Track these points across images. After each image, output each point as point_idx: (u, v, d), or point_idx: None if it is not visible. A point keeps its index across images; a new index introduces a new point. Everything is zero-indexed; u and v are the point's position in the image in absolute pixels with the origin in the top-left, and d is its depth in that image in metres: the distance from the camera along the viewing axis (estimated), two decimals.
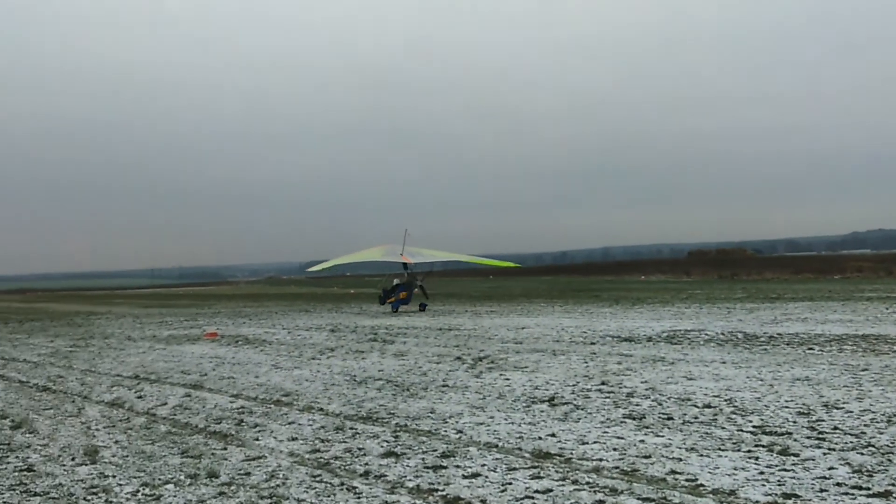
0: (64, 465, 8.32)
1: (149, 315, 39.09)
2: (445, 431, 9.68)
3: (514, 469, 7.95)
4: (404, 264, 31.71)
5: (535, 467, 7.99)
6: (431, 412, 10.88)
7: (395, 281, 32.54)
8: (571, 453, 8.50)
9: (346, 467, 8.14)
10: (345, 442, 9.24)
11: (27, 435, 9.95)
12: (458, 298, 45.36)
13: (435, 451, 8.73)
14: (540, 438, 9.20)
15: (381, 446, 8.99)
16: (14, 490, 7.38)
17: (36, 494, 7.24)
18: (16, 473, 7.99)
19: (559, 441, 9.05)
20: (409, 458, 8.43)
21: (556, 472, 7.80)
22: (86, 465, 8.35)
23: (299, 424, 10.28)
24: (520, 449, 8.75)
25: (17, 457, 8.74)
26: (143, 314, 40.41)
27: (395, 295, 30.56)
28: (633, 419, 10.10)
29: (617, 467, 7.91)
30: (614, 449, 8.63)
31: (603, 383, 12.89)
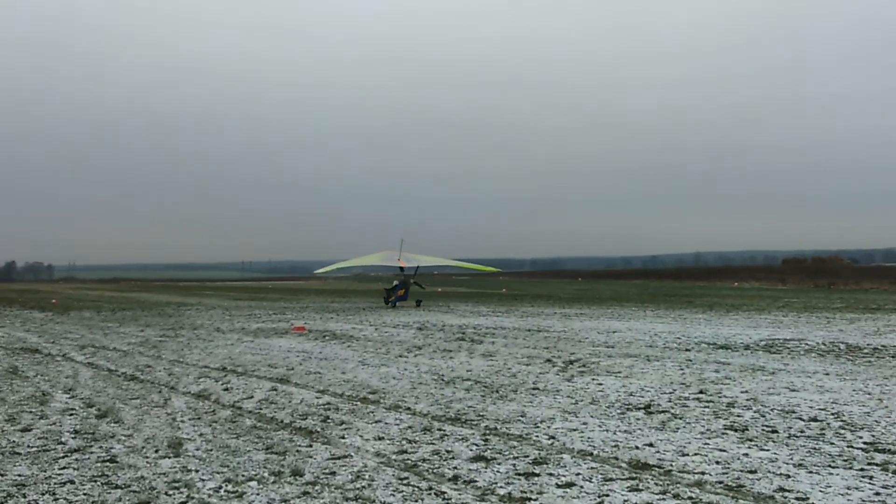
0: (147, 458, 8.11)
1: (238, 307, 39.86)
2: (537, 437, 9.05)
3: (611, 479, 7.28)
4: (400, 268, 34.67)
5: (632, 478, 7.31)
6: (522, 416, 10.26)
7: (395, 282, 35.29)
8: (671, 465, 7.78)
9: (434, 470, 7.63)
10: (433, 444, 8.73)
11: (112, 425, 9.86)
12: (547, 300, 44.43)
13: (526, 456, 8.12)
14: (637, 448, 8.49)
15: (471, 449, 8.43)
16: (96, 482, 7.17)
17: (117, 487, 7.00)
18: (98, 464, 7.81)
19: (657, 451, 8.32)
20: (499, 464, 7.85)
21: (656, 484, 7.11)
22: (169, 457, 8.12)
23: (386, 423, 9.84)
24: (616, 458, 8.05)
25: (100, 447, 8.60)
26: (232, 306, 41.24)
27: (394, 293, 34.22)
28: (735, 431, 9.30)
29: (721, 482, 7.18)
30: (717, 462, 7.88)
31: (701, 392, 11.98)
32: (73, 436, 9.15)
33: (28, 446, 8.58)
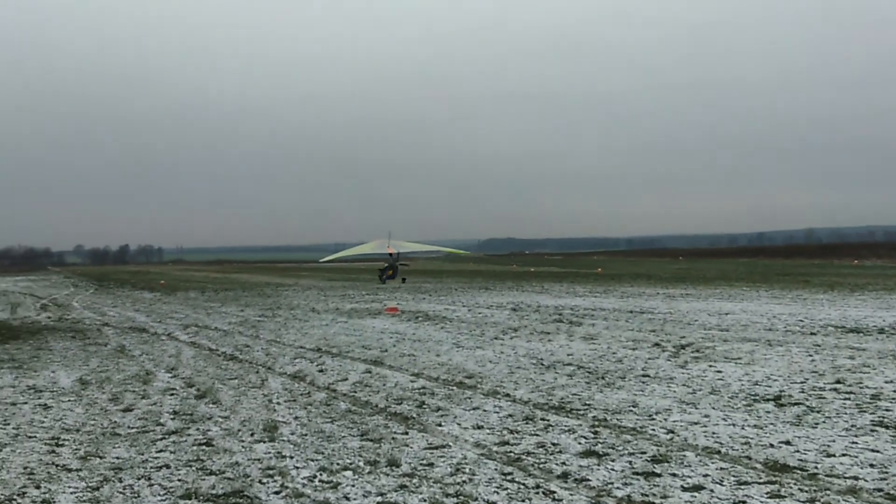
0: (242, 441, 7.93)
1: (332, 288, 40.35)
2: (653, 430, 8.35)
3: (746, 483, 6.51)
4: (389, 254, 42.83)
5: (771, 482, 6.51)
6: (633, 405, 9.56)
7: (385, 265, 42.77)
8: (816, 467, 6.91)
9: (541, 465, 7.08)
10: (536, 434, 8.18)
11: (210, 406, 9.79)
12: (647, 280, 42.95)
13: (643, 453, 7.45)
14: (772, 446, 7.65)
15: (579, 443, 7.83)
16: (191, 466, 7.01)
17: (212, 473, 6.81)
18: (194, 447, 7.67)
19: (797, 450, 7.45)
20: (613, 460, 7.22)
21: (801, 490, 6.30)
22: (264, 441, 7.91)
23: (484, 411, 9.36)
24: (748, 458, 7.26)
25: (197, 429, 8.49)
26: (327, 287, 41.80)
27: (385, 273, 41.22)
28: (886, 428, 8.26)
29: (880, 489, 6.29)
30: (871, 465, 6.95)
31: (838, 381, 10.90)
32: (171, 417, 9.11)
33: (128, 427, 8.56)
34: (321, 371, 12.51)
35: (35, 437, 8.10)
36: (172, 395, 10.55)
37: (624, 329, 17.89)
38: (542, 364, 12.85)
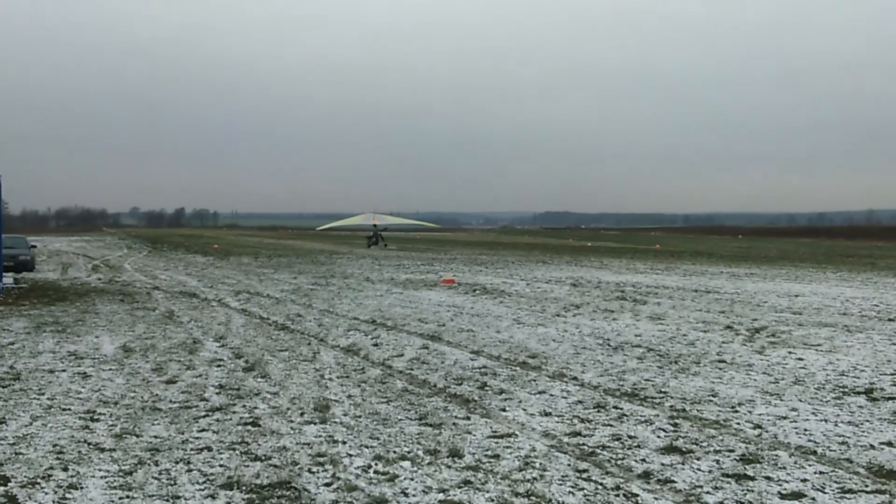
0: (291, 422, 7.30)
1: (387, 257, 39.87)
2: (738, 424, 7.47)
3: (851, 491, 5.66)
4: (374, 225, 54.83)
5: (880, 492, 5.64)
6: (713, 395, 8.67)
7: (370, 234, 54.46)
8: None
9: (619, 462, 6.28)
10: (610, 424, 7.38)
11: (259, 380, 9.21)
12: (708, 258, 41.41)
13: (731, 451, 6.59)
14: (873, 447, 6.73)
15: (658, 436, 7.01)
16: (234, 450, 6.39)
17: (257, 459, 6.17)
18: (239, 427, 7.06)
19: None
20: (698, 459, 6.38)
21: None
22: (315, 423, 7.27)
23: (551, 395, 8.58)
24: (849, 460, 6.36)
25: (244, 406, 7.89)
26: (381, 256, 41.36)
27: (370, 241, 52.61)
28: None
29: None
30: None
31: None
32: (217, 391, 8.55)
33: (170, 401, 8.02)
34: (376, 345, 11.87)
35: (70, 409, 7.60)
36: (219, 366, 10.01)
37: (691, 309, 16.85)
38: (609, 345, 11.99)
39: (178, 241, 62.38)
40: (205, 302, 17.70)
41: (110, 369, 9.65)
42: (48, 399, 8.04)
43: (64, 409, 7.60)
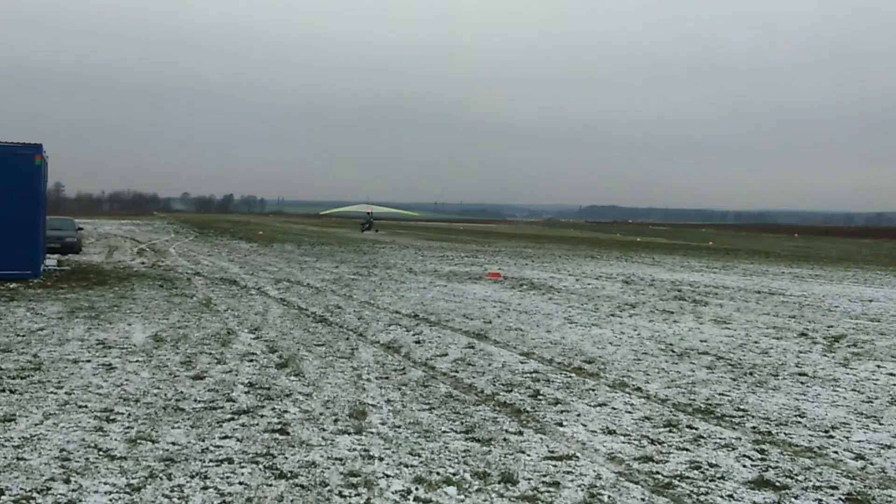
0: (324, 430, 6.53)
1: (430, 248, 39.13)
2: (836, 453, 6.47)
3: None
4: (367, 213, 63.26)
5: None
6: (800, 415, 7.67)
7: (364, 221, 62.37)
8: None
9: (702, 498, 5.36)
10: (685, 448, 6.44)
11: (291, 378, 8.48)
12: (765, 257, 39.73)
13: (834, 488, 5.63)
14: None
15: (744, 466, 6.06)
16: (257, 463, 5.63)
17: (281, 476, 5.41)
18: (266, 435, 6.31)
19: None
20: (795, 496, 5.43)
21: None
22: (349, 433, 6.49)
23: (613, 409, 7.67)
24: None
25: (273, 409, 7.15)
26: (424, 246, 40.63)
27: (364, 227, 60.30)
28: None
29: None
30: None
31: None
32: (246, 390, 7.84)
33: (195, 400, 7.33)
34: (418, 342, 11.08)
35: (86, 406, 6.95)
36: (252, 361, 9.32)
37: (758, 312, 15.69)
38: (673, 351, 10.99)
39: (225, 227, 62.62)
40: (244, 290, 17.14)
41: (137, 361, 9.02)
42: (66, 393, 7.41)
43: (80, 407, 6.96)
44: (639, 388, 8.56)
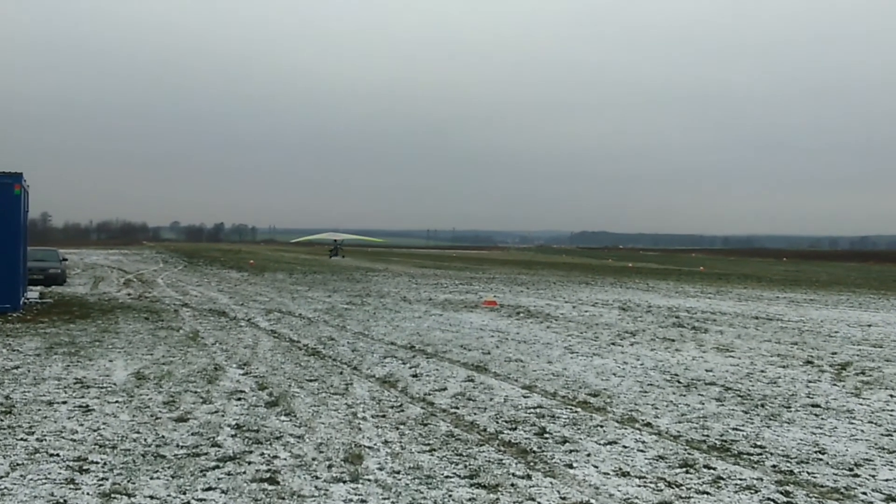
0: (317, 479, 6.04)
1: (424, 275, 38.68)
2: (864, 494, 6.03)
3: None
4: (334, 241, 67.72)
5: None
6: (819, 451, 7.24)
7: (332, 247, 67.18)
8: None
9: None
10: (706, 492, 5.99)
11: (282, 418, 7.99)
12: (758, 281, 39.47)
13: None
14: None
15: None
16: None
17: None
18: (254, 485, 5.82)
19: None
20: None
21: None
22: (344, 481, 6.00)
23: (625, 447, 7.22)
24: None
25: (262, 454, 6.66)
26: (418, 274, 40.19)
27: (332, 252, 64.42)
28: None
29: None
30: None
31: None
32: (232, 433, 7.35)
33: (177, 445, 6.83)
34: (415, 376, 10.61)
35: (58, 455, 6.44)
36: (240, 399, 8.83)
37: (759, 339, 15.31)
38: (679, 382, 10.56)
39: (215, 256, 61.99)
40: (233, 321, 16.64)
41: (117, 402, 8.51)
42: (37, 440, 6.90)
43: (52, 455, 6.45)
44: (649, 424, 8.12)
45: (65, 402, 8.37)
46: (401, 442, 7.21)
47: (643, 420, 8.28)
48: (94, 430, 7.26)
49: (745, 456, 7.03)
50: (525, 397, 9.35)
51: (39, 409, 8.03)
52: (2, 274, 16.30)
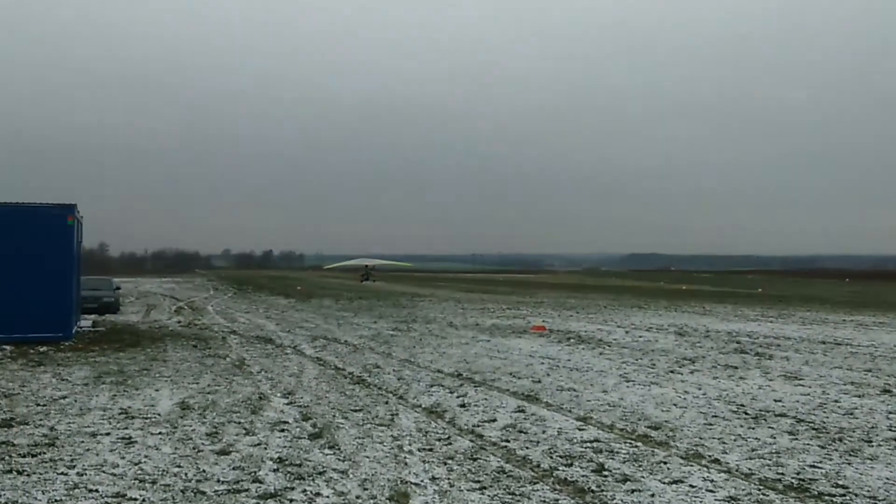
0: None
1: (470, 300, 38.26)
2: None
3: None
4: (365, 266, 72.89)
5: None
6: None
7: (363, 273, 71.23)
8: None
9: None
10: None
11: (326, 451, 7.66)
12: (822, 304, 38.01)
13: None
14: None
15: None
16: None
17: None
18: None
19: None
20: None
21: None
22: None
23: (692, 486, 6.68)
24: None
25: (304, 490, 6.33)
26: (464, 299, 39.78)
27: (363, 277, 68.38)
28: None
29: None
30: None
31: None
32: (274, 467, 7.05)
33: (218, 481, 6.55)
34: (463, 406, 10.21)
35: (97, 490, 6.21)
36: (283, 431, 8.55)
37: (829, 366, 14.48)
38: (746, 413, 9.93)
39: (263, 283, 62.64)
40: (279, 349, 16.48)
41: (160, 433, 8.31)
42: (77, 474, 6.70)
43: (91, 491, 6.23)
44: (717, 460, 7.56)
45: (108, 434, 8.19)
46: (449, 478, 6.81)
47: (710, 456, 7.73)
48: (136, 464, 7.04)
49: (826, 497, 6.44)
50: (580, 430, 8.85)
51: (82, 441, 7.86)
52: (55, 303, 16.45)
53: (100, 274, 44.26)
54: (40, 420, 8.85)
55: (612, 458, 7.58)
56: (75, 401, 10.10)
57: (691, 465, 7.35)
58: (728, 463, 7.46)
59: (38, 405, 9.76)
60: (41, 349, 15.38)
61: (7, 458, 7.18)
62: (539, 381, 12.28)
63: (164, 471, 6.86)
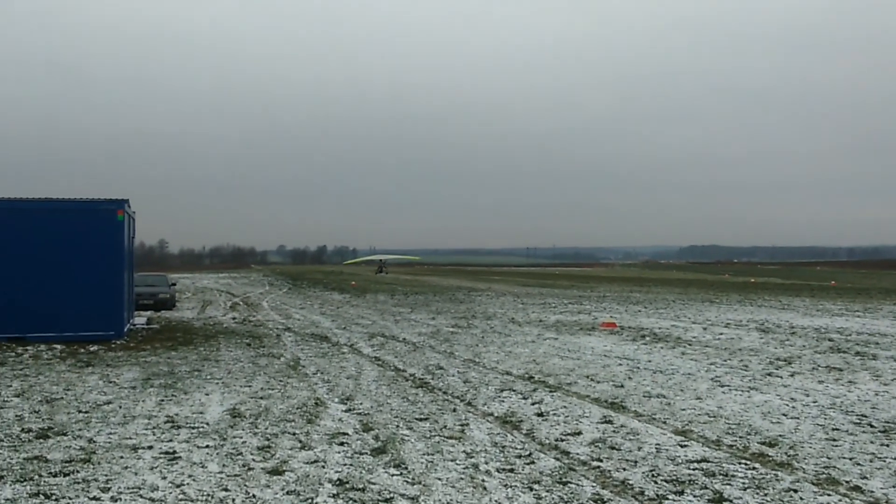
0: None
1: (529, 295, 37.03)
2: None
3: None
4: (380, 260, 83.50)
5: None
6: None
7: (377, 266, 79.69)
8: None
9: None
10: None
11: (391, 471, 6.67)
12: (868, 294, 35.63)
13: None
14: None
15: None
16: None
17: None
18: None
19: None
20: None
21: None
22: None
23: None
24: None
25: None
26: (522, 293, 38.57)
27: (378, 270, 75.11)
28: None
29: None
30: None
31: None
32: (333, 491, 6.09)
33: None
34: (540, 414, 9.11)
35: None
36: (342, 444, 7.60)
37: None
38: (871, 425, 8.60)
39: (318, 278, 62.38)
40: (335, 347, 15.62)
41: (207, 446, 7.44)
42: (111, 499, 5.85)
43: None
44: (857, 488, 6.32)
45: (150, 448, 7.35)
46: None
47: (847, 482, 6.48)
48: (178, 486, 6.15)
49: None
50: (682, 446, 7.68)
51: (122, 457, 7.02)
52: (105, 301, 15.90)
53: (158, 270, 44.46)
54: (79, 430, 8.07)
55: (730, 484, 6.39)
56: (119, 407, 9.34)
57: (829, 495, 6.13)
58: (873, 492, 6.21)
59: (80, 412, 9.01)
60: (91, 348, 14.82)
61: (36, 477, 6.37)
62: (621, 386, 11.10)
63: (208, 495, 5.95)
